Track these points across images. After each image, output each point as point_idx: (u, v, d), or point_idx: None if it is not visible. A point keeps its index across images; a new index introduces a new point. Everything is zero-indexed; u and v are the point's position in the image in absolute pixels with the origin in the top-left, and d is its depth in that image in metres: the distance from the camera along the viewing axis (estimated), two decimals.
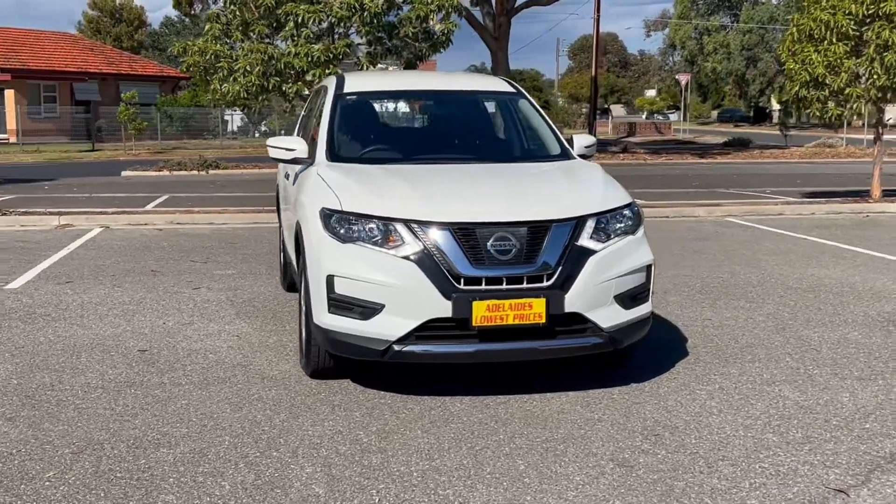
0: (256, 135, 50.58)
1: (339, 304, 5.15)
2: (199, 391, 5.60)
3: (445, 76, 8.28)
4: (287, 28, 18.88)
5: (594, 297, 5.20)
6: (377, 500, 3.95)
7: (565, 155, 6.54)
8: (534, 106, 6.84)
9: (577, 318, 5.15)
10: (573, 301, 5.11)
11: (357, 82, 7.20)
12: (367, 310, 5.06)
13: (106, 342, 6.85)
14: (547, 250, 5.14)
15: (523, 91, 7.05)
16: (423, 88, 7.46)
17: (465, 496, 4.00)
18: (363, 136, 6.91)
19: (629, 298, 5.35)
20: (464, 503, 3.93)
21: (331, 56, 17.53)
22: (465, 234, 5.06)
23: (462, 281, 5.00)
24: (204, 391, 5.60)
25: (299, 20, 17.85)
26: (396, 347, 5.04)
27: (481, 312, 4.93)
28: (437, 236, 5.05)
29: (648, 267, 5.48)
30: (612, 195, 5.66)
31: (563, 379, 5.76)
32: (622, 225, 5.47)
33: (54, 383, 5.79)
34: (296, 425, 4.92)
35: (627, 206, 5.63)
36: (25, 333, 7.14)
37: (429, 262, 5.00)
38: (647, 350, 6.19)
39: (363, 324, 5.08)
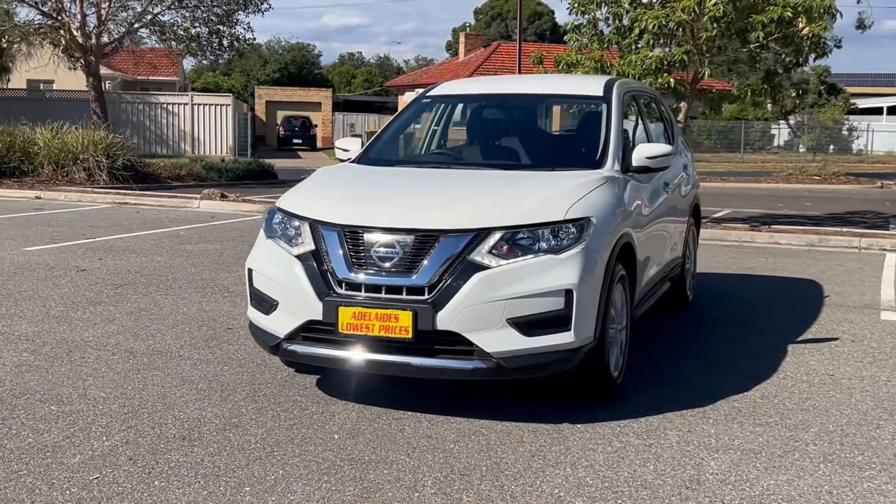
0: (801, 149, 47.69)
1: (254, 297, 5.32)
2: None
3: (547, 79, 8.12)
4: (633, 34, 17.73)
5: (478, 317, 4.66)
6: None
7: (594, 164, 5.79)
8: (609, 111, 6.20)
9: (459, 339, 4.68)
10: (448, 318, 4.65)
11: (446, 87, 7.15)
12: (267, 304, 5.16)
13: None
14: (431, 262, 4.75)
15: (612, 95, 6.35)
16: (501, 92, 7.10)
17: None
18: (416, 139, 6.76)
19: (530, 324, 4.66)
20: None
21: (664, 65, 15.71)
22: (353, 237, 4.89)
23: (343, 285, 4.83)
24: None
25: (643, 26, 16.49)
26: (285, 345, 5.05)
27: (347, 319, 4.73)
28: (329, 237, 4.94)
29: (568, 292, 4.69)
30: (549, 208, 4.93)
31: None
32: (545, 242, 4.79)
33: None
34: None
35: (565, 222, 4.87)
36: None
37: (313, 263, 4.92)
38: None
39: (265, 318, 5.18)
